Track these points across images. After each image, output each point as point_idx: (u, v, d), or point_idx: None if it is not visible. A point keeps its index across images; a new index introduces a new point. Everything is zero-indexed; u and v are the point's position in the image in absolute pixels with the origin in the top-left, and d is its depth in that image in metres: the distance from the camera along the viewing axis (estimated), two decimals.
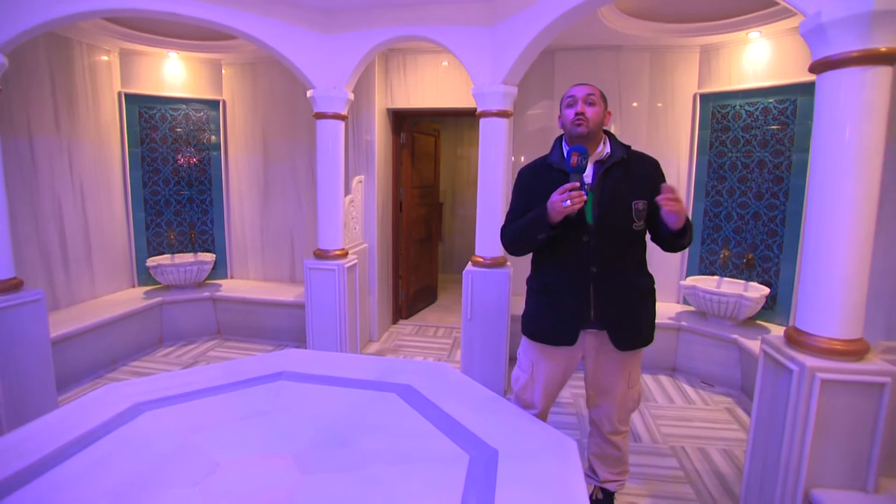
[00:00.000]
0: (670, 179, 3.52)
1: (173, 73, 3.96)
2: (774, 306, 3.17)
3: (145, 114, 3.91)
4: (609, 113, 1.66)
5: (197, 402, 1.60)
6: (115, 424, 1.44)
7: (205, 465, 1.25)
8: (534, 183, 1.70)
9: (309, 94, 3.14)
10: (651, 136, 3.61)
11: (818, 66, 1.51)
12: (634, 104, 3.62)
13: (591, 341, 1.70)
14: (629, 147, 1.67)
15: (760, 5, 2.85)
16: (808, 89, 2.92)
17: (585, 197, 1.46)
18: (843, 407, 1.49)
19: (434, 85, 3.87)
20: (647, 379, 3.28)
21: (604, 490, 1.94)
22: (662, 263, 3.68)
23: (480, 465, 1.24)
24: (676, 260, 3.65)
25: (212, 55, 3.94)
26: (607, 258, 1.61)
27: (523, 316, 1.80)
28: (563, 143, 1.70)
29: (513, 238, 1.70)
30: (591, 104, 1.60)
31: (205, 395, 1.64)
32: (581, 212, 1.54)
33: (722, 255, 3.44)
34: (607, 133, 1.69)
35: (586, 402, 1.87)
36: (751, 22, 3.00)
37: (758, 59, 3.18)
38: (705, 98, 3.46)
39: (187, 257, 4.07)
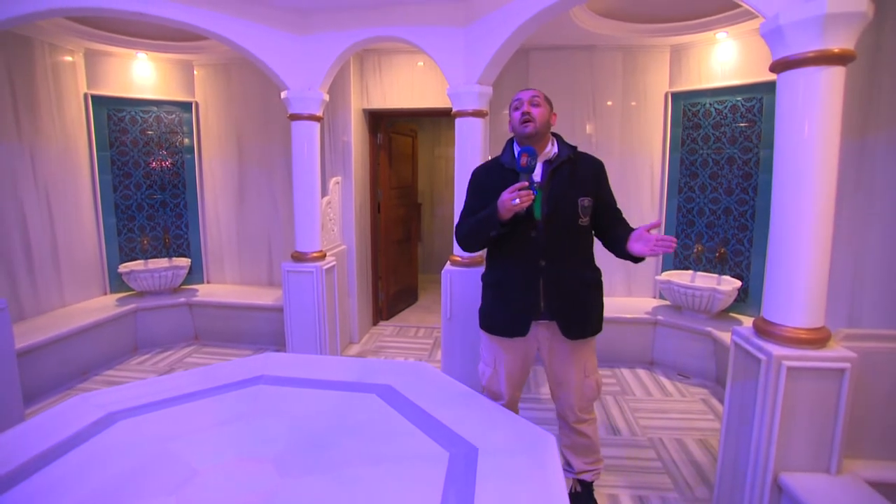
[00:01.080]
0: (644, 177, 3.66)
1: (143, 75, 3.87)
2: (746, 299, 3.27)
3: (114, 116, 3.81)
4: (554, 115, 1.76)
5: (173, 409, 1.56)
6: (87, 435, 1.40)
7: (182, 472, 1.23)
8: (487, 182, 1.78)
9: (283, 95, 3.11)
10: (625, 135, 3.68)
11: (778, 66, 1.57)
12: (609, 103, 3.68)
13: (543, 332, 1.79)
14: (575, 147, 1.77)
15: (726, 6, 2.93)
16: (773, 88, 2.98)
17: (534, 195, 1.54)
18: (807, 393, 1.54)
19: (410, 85, 3.87)
20: (625, 373, 3.34)
21: (581, 482, 1.98)
22: None
23: (460, 462, 1.25)
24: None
25: (183, 56, 3.86)
26: (555, 253, 1.70)
27: (479, 310, 1.89)
28: (514, 144, 1.78)
29: (466, 235, 1.78)
30: (536, 105, 1.69)
31: (181, 401, 1.61)
32: (531, 208, 1.63)
33: (695, 250, 3.53)
34: (555, 135, 1.80)
35: (551, 396, 1.95)
36: (718, 23, 3.08)
37: (725, 58, 3.27)
38: (676, 97, 3.54)
39: (162, 262, 3.98)
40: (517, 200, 1.51)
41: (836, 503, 1.46)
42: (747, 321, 3.21)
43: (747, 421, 1.66)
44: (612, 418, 2.73)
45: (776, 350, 1.55)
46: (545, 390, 3.06)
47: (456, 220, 2.95)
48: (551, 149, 1.74)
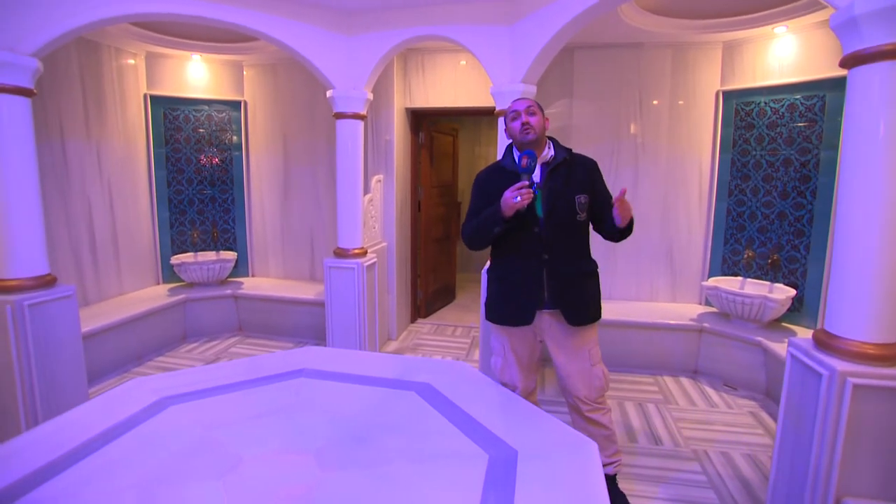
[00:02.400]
0: (692, 178, 3.53)
1: (196, 75, 4.04)
2: (801, 308, 3.09)
3: (170, 115, 4.00)
4: (547, 120, 1.89)
5: (220, 397, 1.62)
6: (142, 418, 1.47)
7: (228, 459, 1.27)
8: (489, 185, 1.90)
9: (329, 94, 3.17)
10: (672, 134, 3.55)
11: (850, 61, 1.46)
12: (655, 102, 3.56)
13: (547, 320, 1.90)
14: (570, 150, 1.91)
15: None
16: (837, 85, 2.83)
17: (534, 194, 1.68)
18: (876, 413, 1.44)
19: (452, 84, 3.87)
20: (667, 381, 3.23)
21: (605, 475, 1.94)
22: (684, 264, 3.62)
23: (500, 464, 1.24)
24: (698, 260, 3.58)
25: (233, 57, 4.01)
26: (556, 246, 1.83)
27: (486, 303, 2.00)
28: (515, 150, 1.89)
29: (472, 233, 1.90)
30: (532, 114, 1.82)
31: (227, 390, 1.67)
32: (533, 207, 1.78)
33: (745, 256, 3.36)
34: (551, 139, 1.92)
35: (561, 391, 2.00)
36: (776, 16, 2.92)
37: (784, 54, 3.10)
38: (728, 95, 3.38)
39: (210, 255, 4.15)
40: (518, 198, 1.64)
41: None
42: (802, 332, 3.03)
43: (805, 439, 1.56)
44: (654, 427, 2.64)
45: (840, 365, 1.45)
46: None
47: None
48: (548, 152, 1.87)
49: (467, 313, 4.74)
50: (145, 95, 3.86)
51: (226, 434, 1.39)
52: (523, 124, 1.81)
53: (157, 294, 3.81)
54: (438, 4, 2.87)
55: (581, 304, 1.86)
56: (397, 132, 3.86)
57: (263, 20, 2.85)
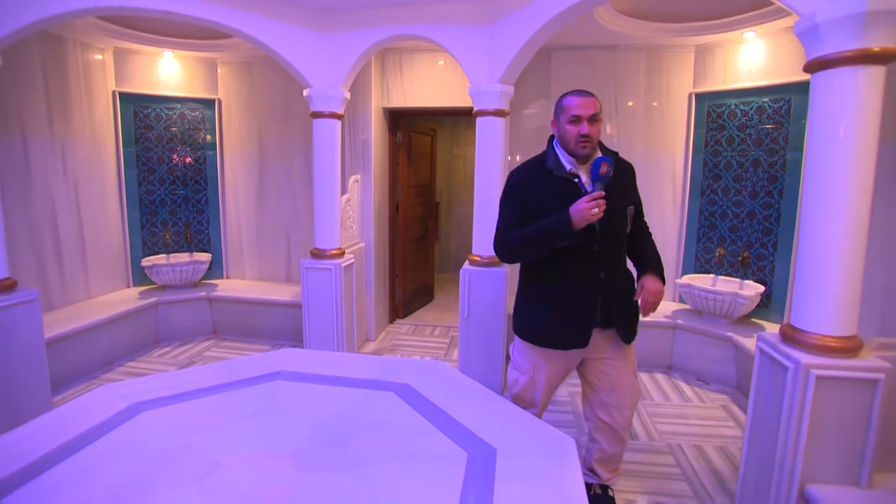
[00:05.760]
0: (666, 178, 3.61)
1: (168, 72, 3.94)
2: (769, 304, 3.19)
3: (140, 113, 3.88)
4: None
5: (195, 401, 1.59)
6: (113, 425, 1.43)
7: (204, 464, 1.24)
8: (533, 189, 1.66)
9: (305, 93, 3.13)
10: (647, 136, 3.63)
11: (812, 66, 1.52)
12: (630, 103, 3.63)
13: (598, 341, 1.73)
14: (616, 154, 1.72)
15: (755, 5, 2.86)
16: (802, 89, 2.94)
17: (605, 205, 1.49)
18: (837, 403, 1.50)
19: (430, 84, 3.87)
20: (642, 377, 3.29)
21: (602, 484, 1.97)
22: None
23: (479, 463, 1.25)
24: (672, 258, 3.67)
25: (207, 54, 3.92)
26: (611, 263, 1.68)
27: (526, 323, 1.78)
28: (556, 146, 1.69)
29: (520, 245, 1.64)
30: (596, 122, 1.59)
31: (202, 394, 1.64)
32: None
33: (717, 254, 3.46)
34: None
35: (599, 412, 1.85)
36: (745, 21, 3.01)
37: (752, 58, 3.20)
38: (700, 97, 3.48)
39: (183, 257, 4.05)
40: (596, 210, 1.47)
41: None
42: (770, 327, 3.14)
43: (772, 429, 1.62)
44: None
45: (804, 358, 1.51)
46: (562, 391, 3.03)
47: (476, 221, 2.95)
48: (595, 156, 1.66)
49: (446, 313, 4.75)
50: (114, 92, 3.74)
51: (201, 439, 1.36)
52: (583, 136, 1.57)
53: (127, 297, 3.70)
54: (416, 4, 2.87)
55: (632, 321, 1.76)
56: (375, 132, 3.84)
57: (238, 17, 2.79)
